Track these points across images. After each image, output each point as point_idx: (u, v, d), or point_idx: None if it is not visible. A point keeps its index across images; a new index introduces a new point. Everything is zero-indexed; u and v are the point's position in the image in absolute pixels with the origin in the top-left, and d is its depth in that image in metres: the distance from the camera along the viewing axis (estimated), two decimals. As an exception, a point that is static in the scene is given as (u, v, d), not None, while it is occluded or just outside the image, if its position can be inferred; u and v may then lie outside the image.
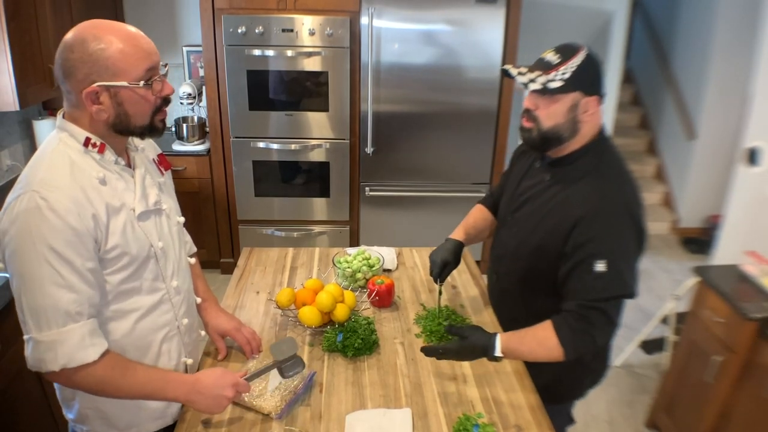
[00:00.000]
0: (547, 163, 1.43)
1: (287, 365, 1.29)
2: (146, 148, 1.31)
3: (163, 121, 1.18)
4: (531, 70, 1.31)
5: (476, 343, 1.34)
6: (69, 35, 1.06)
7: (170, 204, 1.32)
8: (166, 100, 1.17)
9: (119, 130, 1.13)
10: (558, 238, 1.33)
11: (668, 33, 4.95)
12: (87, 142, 1.11)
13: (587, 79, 1.28)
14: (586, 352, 1.32)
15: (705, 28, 4.33)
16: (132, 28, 1.10)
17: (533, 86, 1.27)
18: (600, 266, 1.26)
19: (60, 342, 1.04)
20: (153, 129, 1.16)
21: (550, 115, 1.30)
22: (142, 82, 1.09)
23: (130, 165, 1.22)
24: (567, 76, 1.25)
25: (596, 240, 1.27)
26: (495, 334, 1.34)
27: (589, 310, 1.28)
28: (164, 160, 1.36)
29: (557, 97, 1.28)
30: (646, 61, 5.28)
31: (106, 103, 1.08)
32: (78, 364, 1.06)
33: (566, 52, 1.28)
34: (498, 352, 1.32)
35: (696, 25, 4.51)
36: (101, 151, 1.13)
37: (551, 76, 1.26)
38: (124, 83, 1.07)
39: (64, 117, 1.13)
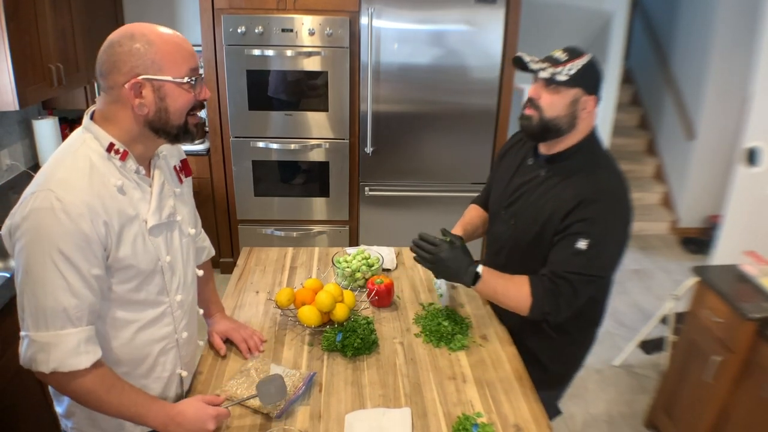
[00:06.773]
0: (544, 159, 1.51)
1: (269, 396, 1.26)
2: (168, 155, 1.28)
3: (196, 125, 1.16)
4: (541, 61, 1.41)
5: (463, 255, 1.46)
6: (115, 33, 1.07)
7: (184, 215, 1.30)
8: (201, 105, 1.16)
9: (156, 128, 1.11)
10: (556, 220, 1.42)
11: (668, 33, 4.96)
12: (110, 148, 1.10)
13: (589, 79, 1.39)
14: (549, 316, 1.42)
15: (704, 28, 4.33)
16: (176, 32, 1.11)
17: (543, 74, 1.37)
18: (582, 244, 1.36)
19: (54, 345, 1.03)
20: (186, 131, 1.15)
21: (553, 106, 1.39)
22: (186, 78, 1.09)
23: (149, 175, 1.20)
24: (573, 72, 1.36)
25: (587, 221, 1.36)
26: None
27: (560, 279, 1.38)
28: (187, 167, 1.34)
29: (561, 89, 1.38)
30: (645, 62, 5.28)
31: (149, 97, 1.07)
32: (69, 370, 1.05)
33: (573, 52, 1.39)
34: (480, 270, 1.44)
35: (695, 25, 4.51)
36: (123, 158, 1.11)
37: (558, 69, 1.36)
38: (169, 78, 1.07)
39: (92, 118, 1.12)
